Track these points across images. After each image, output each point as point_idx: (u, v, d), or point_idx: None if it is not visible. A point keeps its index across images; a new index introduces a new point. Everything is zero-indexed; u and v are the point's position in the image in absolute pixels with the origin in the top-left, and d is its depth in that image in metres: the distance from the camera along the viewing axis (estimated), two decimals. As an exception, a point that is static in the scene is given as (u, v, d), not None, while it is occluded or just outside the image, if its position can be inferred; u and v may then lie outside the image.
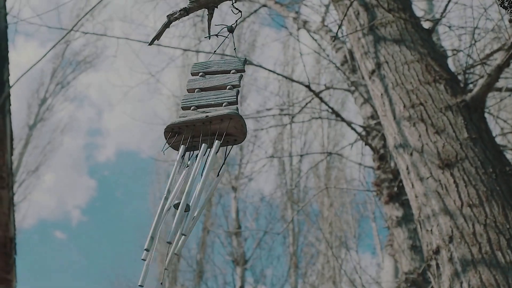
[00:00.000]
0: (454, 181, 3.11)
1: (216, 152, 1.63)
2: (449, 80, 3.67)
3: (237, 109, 1.64)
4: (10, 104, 6.06)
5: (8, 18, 5.59)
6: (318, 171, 16.34)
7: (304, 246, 16.40)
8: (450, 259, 2.93)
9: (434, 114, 3.44)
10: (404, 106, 3.59)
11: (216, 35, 1.79)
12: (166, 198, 1.55)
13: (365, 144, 6.31)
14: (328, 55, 8.62)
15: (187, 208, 1.55)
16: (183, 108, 1.68)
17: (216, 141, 1.62)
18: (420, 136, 3.40)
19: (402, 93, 3.65)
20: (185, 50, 6.65)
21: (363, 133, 6.49)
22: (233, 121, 1.61)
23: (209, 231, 16.04)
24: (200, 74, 1.72)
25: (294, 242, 16.08)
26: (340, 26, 4.31)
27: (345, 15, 4.01)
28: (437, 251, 3.03)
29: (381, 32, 4.10)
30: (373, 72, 3.99)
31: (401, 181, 5.71)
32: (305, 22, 8.11)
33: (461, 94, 3.57)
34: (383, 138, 6.15)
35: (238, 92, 1.69)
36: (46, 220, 27.44)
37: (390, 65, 3.85)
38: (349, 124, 6.33)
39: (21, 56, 24.78)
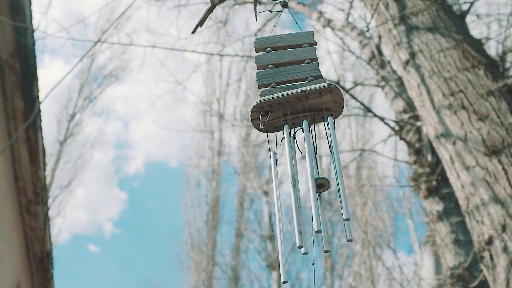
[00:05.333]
0: (503, 168, 2.99)
1: (334, 127, 1.50)
2: (488, 65, 3.55)
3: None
4: (41, 120, 6.11)
5: (35, 34, 5.64)
6: (348, 172, 16.17)
7: (339, 247, 16.24)
8: (505, 249, 2.81)
9: (476, 100, 3.33)
10: (443, 95, 3.48)
11: (270, 11, 1.71)
12: (295, 186, 1.42)
13: (400, 139, 6.18)
14: (353, 53, 8.53)
15: (324, 186, 1.42)
16: (261, 86, 1.56)
17: (330, 117, 1.50)
18: (462, 124, 3.29)
19: (440, 82, 3.54)
20: (212, 54, 6.62)
21: (397, 128, 6.37)
22: (333, 94, 1.50)
23: (242, 236, 16.00)
24: (267, 49, 1.61)
25: (329, 244, 15.92)
26: (371, 19, 4.21)
27: (377, 6, 3.92)
28: (489, 242, 2.91)
29: (413, 21, 4.00)
30: (407, 62, 3.88)
31: (439, 174, 5.58)
32: (329, 21, 8.03)
33: (502, 78, 3.45)
34: (418, 131, 6.03)
35: (318, 64, 1.58)
36: (79, 234, 27.69)
37: (425, 53, 3.75)
38: (382, 119, 6.21)
39: (47, 73, 25.15)
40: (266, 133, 1.57)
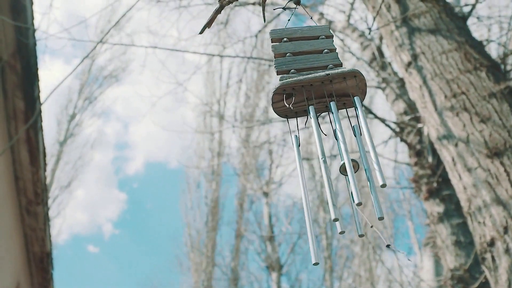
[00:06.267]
0: (505, 170, 2.99)
1: (362, 108, 1.48)
2: (490, 67, 3.55)
3: None
4: (41, 121, 6.10)
5: (36, 34, 5.63)
6: (347, 173, 16.11)
7: (339, 249, 16.25)
8: (507, 251, 2.81)
9: (478, 102, 3.33)
10: (445, 96, 3.49)
11: (284, 8, 1.71)
12: (325, 161, 1.41)
13: (401, 141, 6.19)
14: (353, 54, 8.54)
15: (354, 168, 1.40)
16: (280, 72, 1.54)
17: (356, 97, 1.49)
18: (464, 125, 3.29)
19: (442, 83, 3.54)
20: (213, 55, 6.63)
21: (397, 129, 6.38)
22: (358, 79, 1.50)
23: (242, 237, 15.99)
24: (284, 39, 1.61)
25: (328, 245, 15.94)
26: (373, 21, 4.21)
27: (380, 8, 3.92)
28: (491, 243, 2.91)
29: (415, 23, 4.00)
30: (409, 64, 3.89)
31: (440, 176, 5.58)
32: (330, 22, 8.04)
33: (504, 80, 3.45)
34: (419, 133, 6.04)
35: (337, 54, 1.59)
36: (78, 234, 27.67)
37: (427, 55, 3.75)
38: (383, 121, 6.21)
39: (48, 73, 25.15)
40: (286, 118, 1.55)
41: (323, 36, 1.62)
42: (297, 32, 1.63)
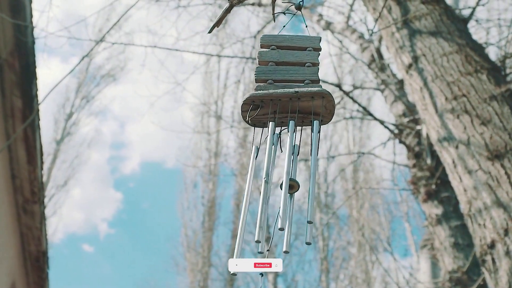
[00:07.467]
0: (506, 172, 3.00)
1: (318, 132, 1.49)
2: (491, 70, 3.56)
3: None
4: (39, 119, 6.08)
5: (35, 33, 5.61)
6: (345, 174, 16.19)
7: (335, 250, 16.26)
8: (507, 253, 2.82)
9: (479, 105, 3.34)
10: (446, 99, 3.49)
11: (284, 13, 1.72)
12: (267, 182, 1.42)
13: (399, 142, 6.20)
14: (352, 56, 8.54)
15: (294, 188, 1.43)
16: (258, 81, 1.57)
17: (316, 121, 1.51)
18: (465, 128, 3.30)
19: (443, 86, 3.55)
20: (211, 55, 6.62)
21: (396, 131, 6.39)
22: (325, 100, 1.50)
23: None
24: (272, 47, 1.62)
25: (324, 247, 15.95)
26: (375, 23, 4.22)
27: (382, 10, 3.92)
28: (492, 246, 2.92)
29: (416, 25, 4.01)
30: (410, 66, 3.89)
31: (438, 178, 5.59)
32: (329, 24, 8.04)
33: (505, 83, 3.46)
34: (417, 135, 6.05)
35: (318, 70, 1.59)
36: (74, 233, 27.60)
37: (428, 57, 3.76)
38: (381, 122, 6.22)
39: (45, 72, 25.11)
40: (253, 127, 1.58)
41: (311, 48, 1.63)
42: (286, 41, 1.64)
